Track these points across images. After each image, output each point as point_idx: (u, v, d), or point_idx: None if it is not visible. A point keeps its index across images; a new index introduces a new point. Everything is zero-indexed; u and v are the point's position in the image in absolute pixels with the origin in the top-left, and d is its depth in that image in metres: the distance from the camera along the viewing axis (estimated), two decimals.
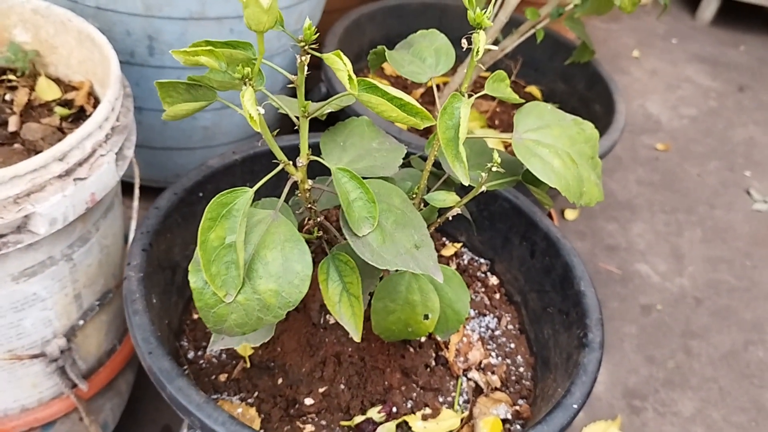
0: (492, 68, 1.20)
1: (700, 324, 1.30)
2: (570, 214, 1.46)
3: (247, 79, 0.43)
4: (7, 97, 0.82)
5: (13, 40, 0.85)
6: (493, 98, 1.20)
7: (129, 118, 0.76)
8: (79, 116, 0.83)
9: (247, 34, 0.87)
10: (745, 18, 2.39)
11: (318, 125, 0.61)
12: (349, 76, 0.42)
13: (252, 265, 0.48)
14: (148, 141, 1.01)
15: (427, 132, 1.04)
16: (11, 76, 0.84)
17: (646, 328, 1.27)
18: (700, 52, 2.18)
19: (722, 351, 1.26)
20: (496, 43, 0.96)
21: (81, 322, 0.80)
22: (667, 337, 1.26)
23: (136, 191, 0.89)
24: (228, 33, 0.89)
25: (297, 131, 0.51)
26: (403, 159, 0.72)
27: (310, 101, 0.48)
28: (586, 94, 1.16)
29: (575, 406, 0.60)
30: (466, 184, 0.51)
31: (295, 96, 0.58)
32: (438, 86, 1.11)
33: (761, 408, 1.17)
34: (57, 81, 0.86)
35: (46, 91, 0.84)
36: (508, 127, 1.15)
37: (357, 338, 0.53)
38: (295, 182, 0.53)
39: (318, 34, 0.44)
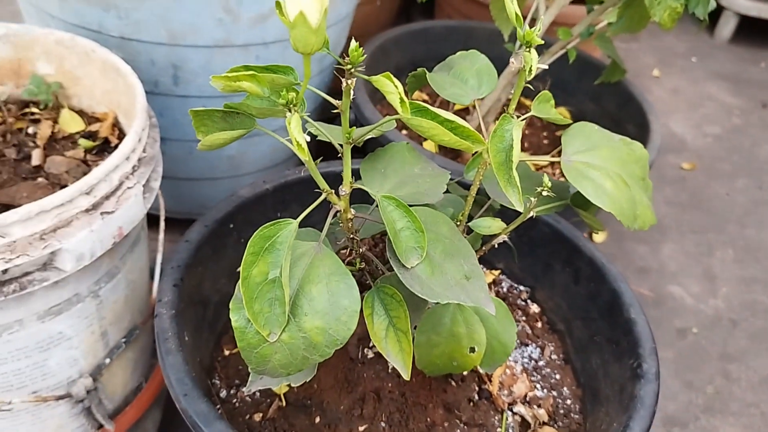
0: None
1: (738, 347, 1.26)
2: (598, 237, 1.42)
3: (291, 105, 0.41)
4: (30, 130, 0.81)
5: (36, 73, 0.83)
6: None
7: (155, 149, 0.74)
8: (104, 148, 0.81)
9: (272, 62, 0.86)
10: (765, 35, 2.36)
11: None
12: (401, 98, 0.40)
13: (296, 302, 0.45)
14: (172, 172, 0.99)
15: (457, 155, 1.01)
16: (34, 109, 0.83)
17: (683, 352, 1.23)
18: (721, 69, 2.16)
19: (762, 374, 1.21)
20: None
21: (107, 361, 0.77)
22: (704, 361, 1.22)
23: (162, 224, 0.86)
24: (254, 60, 0.87)
25: (327, 159, 0.48)
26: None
27: (354, 127, 0.46)
28: (617, 114, 1.13)
29: None
30: (521, 210, 0.49)
31: (323, 121, 0.56)
32: (467, 109, 1.09)
33: None
34: (80, 112, 0.84)
35: (70, 123, 0.82)
36: (538, 150, 1.12)
37: (406, 376, 0.50)
38: (336, 212, 0.50)
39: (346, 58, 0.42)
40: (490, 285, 0.80)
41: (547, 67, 0.51)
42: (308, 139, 0.41)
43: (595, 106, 1.19)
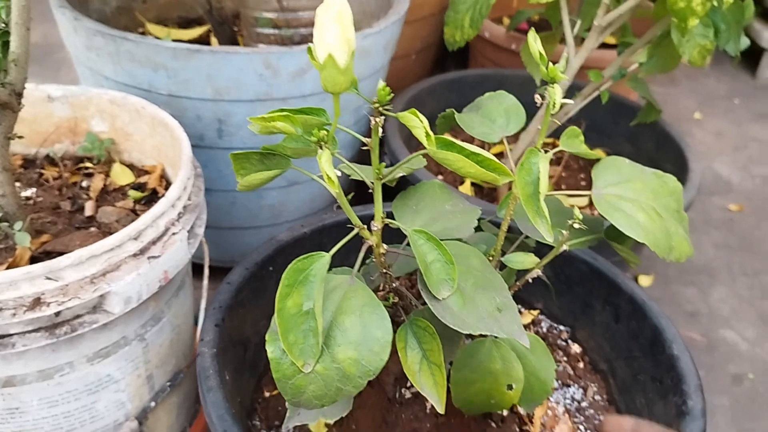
0: (554, 134, 1.19)
1: None
2: (644, 281, 1.39)
3: (323, 143, 0.43)
4: (84, 183, 0.85)
5: (90, 130, 0.89)
6: (558, 163, 1.19)
7: (200, 197, 0.78)
8: (152, 198, 0.85)
9: None
10: None
11: (385, 196, 0.61)
12: (426, 132, 0.42)
13: (330, 333, 0.46)
14: (216, 221, 1.03)
15: (492, 198, 1.02)
16: (88, 164, 0.88)
17: (739, 399, 1.18)
18: (765, 110, 2.12)
19: None
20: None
21: (152, 404, 0.79)
22: (763, 409, 1.16)
23: (206, 270, 0.89)
24: None
25: (363, 202, 0.50)
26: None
27: (384, 163, 0.48)
28: (655, 154, 1.13)
29: None
30: (550, 241, 0.49)
31: (361, 163, 0.58)
32: (502, 153, 1.10)
33: None
34: (131, 166, 0.89)
35: (121, 176, 0.87)
36: (575, 191, 1.13)
37: (441, 409, 0.50)
38: (369, 247, 0.52)
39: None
40: (528, 325, 0.80)
41: (572, 102, 0.52)
42: (339, 174, 0.43)
43: (632, 148, 1.19)
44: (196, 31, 1.17)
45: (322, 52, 0.39)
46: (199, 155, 0.90)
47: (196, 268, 0.91)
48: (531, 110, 0.76)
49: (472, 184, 1.05)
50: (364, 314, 0.47)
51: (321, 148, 0.43)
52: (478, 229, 0.70)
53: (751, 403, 1.17)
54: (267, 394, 0.74)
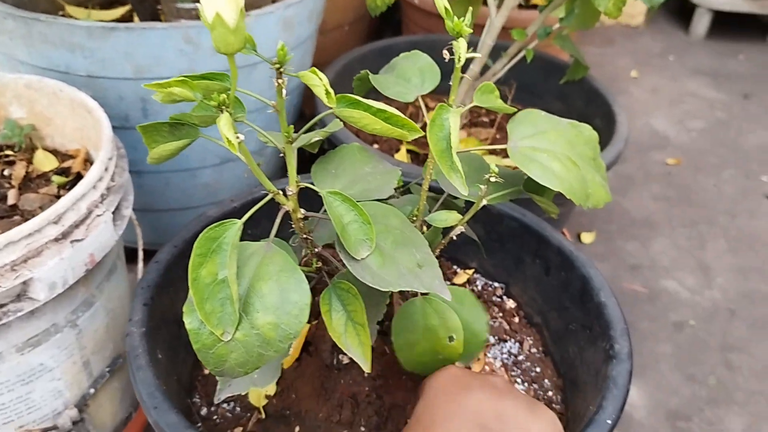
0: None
1: (738, 336, 1.24)
2: (587, 238, 1.42)
3: (223, 106, 0.42)
4: (6, 172, 0.83)
5: (9, 117, 0.86)
6: (492, 125, 1.20)
7: (124, 177, 0.76)
8: (76, 183, 0.82)
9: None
10: (740, 28, 2.39)
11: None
12: (326, 90, 0.41)
13: (248, 300, 0.46)
14: (150, 204, 1.01)
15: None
16: (9, 152, 0.85)
17: (682, 346, 1.22)
18: (699, 65, 2.17)
19: (765, 362, 1.20)
20: (485, 68, 0.95)
21: (92, 391, 0.78)
22: (704, 353, 1.21)
23: (140, 252, 0.88)
24: None
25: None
26: (403, 187, 0.70)
27: (292, 126, 0.47)
28: (584, 110, 1.14)
29: (609, 421, 0.56)
30: (465, 194, 0.49)
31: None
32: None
33: None
34: (54, 151, 0.86)
35: (44, 162, 0.84)
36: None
37: (367, 368, 0.50)
38: (288, 212, 0.52)
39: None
40: (464, 284, 0.81)
41: (478, 55, 0.52)
42: (242, 137, 0.42)
43: (563, 106, 1.21)
44: (118, 11, 1.13)
45: (209, 11, 0.38)
46: (125, 136, 0.88)
47: (134, 253, 0.90)
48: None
49: (408, 151, 1.06)
50: (281, 279, 0.47)
51: (222, 111, 0.42)
52: (407, 192, 0.70)
53: (692, 348, 1.21)
54: (206, 371, 0.73)
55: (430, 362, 0.62)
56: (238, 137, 0.41)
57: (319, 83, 0.42)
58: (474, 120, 1.18)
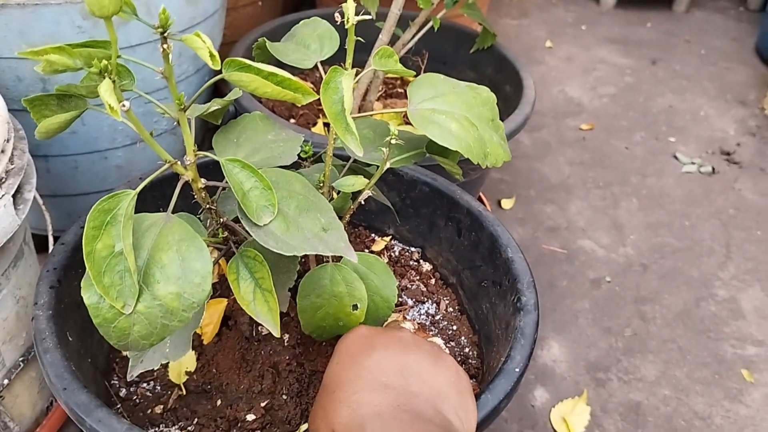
0: None
1: (651, 289, 1.31)
2: (506, 204, 1.46)
3: (106, 73, 0.41)
4: None
5: None
6: (406, 96, 1.21)
7: (24, 159, 0.73)
8: None
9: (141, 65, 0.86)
10: None
11: None
12: (210, 53, 0.41)
13: (148, 271, 0.46)
14: (60, 189, 0.98)
15: None
16: None
17: (599, 301, 1.27)
18: (610, 34, 2.25)
19: (675, 311, 1.27)
20: (395, 38, 0.96)
21: (6, 381, 0.75)
22: (620, 307, 1.27)
23: (50, 238, 0.85)
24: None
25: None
26: (315, 156, 0.71)
27: (183, 93, 0.47)
28: (495, 78, 1.17)
29: (517, 370, 0.58)
30: (360, 155, 0.50)
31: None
32: None
33: (722, 360, 1.18)
34: None
35: None
36: None
37: (276, 333, 0.51)
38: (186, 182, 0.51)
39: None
40: (382, 251, 0.82)
41: (371, 17, 0.53)
42: (127, 105, 0.42)
43: (474, 74, 1.23)
44: None
45: None
46: (28, 120, 0.85)
47: (47, 240, 0.87)
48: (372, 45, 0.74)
49: (325, 125, 1.06)
50: (181, 249, 0.47)
51: (103, 78, 0.41)
52: (318, 160, 0.71)
53: (609, 303, 1.27)
54: (125, 353, 0.72)
55: (330, 327, 0.63)
56: (123, 105, 0.41)
57: (203, 46, 0.41)
58: (389, 91, 1.19)
